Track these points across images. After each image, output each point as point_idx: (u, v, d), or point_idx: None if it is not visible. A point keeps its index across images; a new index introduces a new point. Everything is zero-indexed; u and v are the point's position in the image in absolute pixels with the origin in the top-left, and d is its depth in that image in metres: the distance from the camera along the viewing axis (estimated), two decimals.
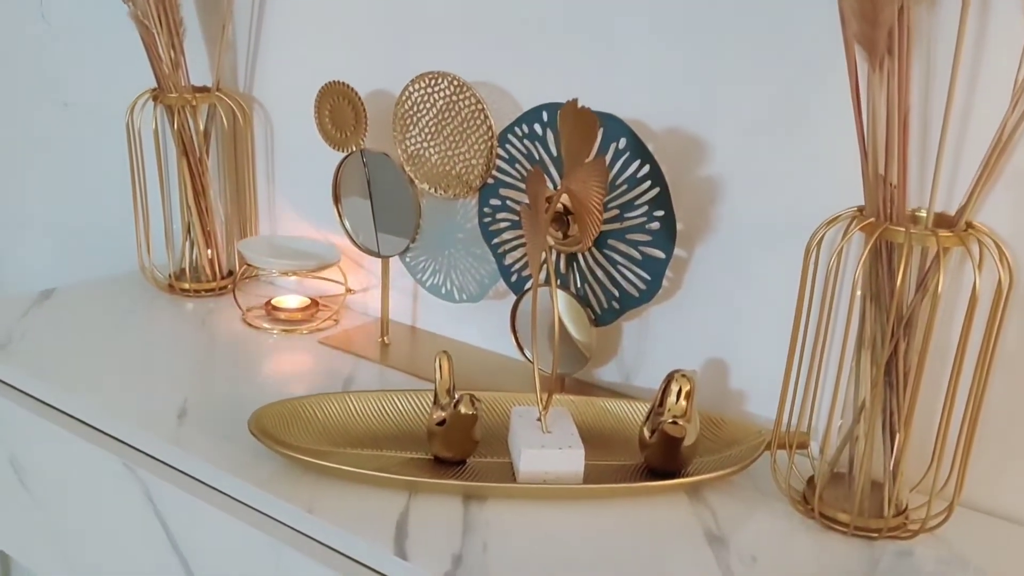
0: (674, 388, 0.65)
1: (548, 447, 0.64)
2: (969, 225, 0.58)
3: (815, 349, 0.61)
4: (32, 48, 1.22)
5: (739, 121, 0.70)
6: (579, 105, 0.62)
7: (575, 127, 0.62)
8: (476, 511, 0.61)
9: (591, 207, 0.62)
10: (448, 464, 0.66)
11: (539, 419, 0.67)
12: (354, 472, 0.63)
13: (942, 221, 0.60)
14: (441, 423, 0.66)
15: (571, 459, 0.64)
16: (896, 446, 0.61)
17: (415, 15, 0.85)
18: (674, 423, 0.64)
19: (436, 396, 0.67)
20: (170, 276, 1.01)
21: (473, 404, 0.65)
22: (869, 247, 0.57)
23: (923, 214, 0.61)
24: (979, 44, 0.59)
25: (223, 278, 1.02)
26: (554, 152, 0.74)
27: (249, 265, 0.93)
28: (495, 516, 0.61)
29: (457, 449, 0.66)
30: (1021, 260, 0.61)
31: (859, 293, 0.60)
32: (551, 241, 0.73)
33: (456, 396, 0.66)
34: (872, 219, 0.58)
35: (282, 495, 0.62)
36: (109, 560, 0.74)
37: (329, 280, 0.95)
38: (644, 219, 0.71)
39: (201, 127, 0.97)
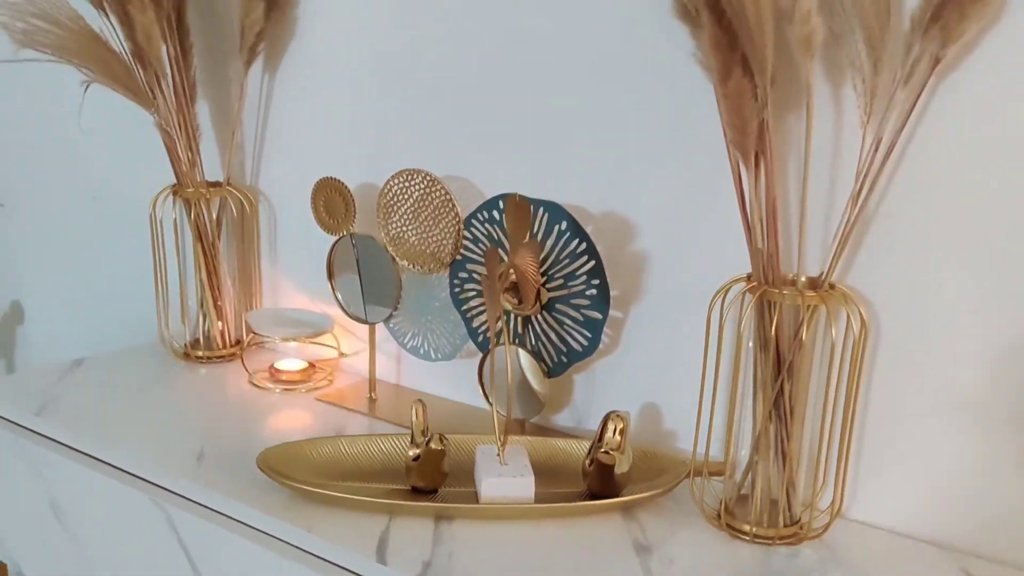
0: (610, 426, 0.79)
1: (504, 476, 0.77)
2: (831, 286, 0.73)
3: (722, 390, 0.76)
4: (68, 148, 1.38)
5: (661, 205, 0.85)
6: (518, 197, 0.78)
7: (516, 215, 0.78)
8: (444, 528, 0.75)
9: (529, 278, 0.77)
10: (423, 492, 0.80)
11: (498, 454, 0.81)
12: (344, 498, 0.76)
13: (813, 283, 0.75)
14: (416, 458, 0.79)
15: (523, 485, 0.77)
16: (787, 469, 0.75)
17: (395, 120, 1.02)
18: (607, 453, 0.77)
19: (412, 436, 0.80)
20: (185, 345, 1.15)
21: (442, 441, 0.79)
22: (753, 305, 0.72)
23: (803, 278, 0.76)
24: (836, 143, 0.75)
25: (232, 346, 1.16)
26: (506, 233, 0.89)
27: (255, 333, 1.07)
28: (460, 531, 0.74)
29: (429, 480, 0.80)
30: (880, 311, 0.76)
31: (749, 344, 0.75)
32: (508, 306, 0.88)
33: (428, 436, 0.79)
34: (755, 283, 0.74)
35: (286, 519, 0.75)
36: None
37: (324, 345, 1.09)
38: (584, 287, 0.86)
39: (214, 216, 1.13)
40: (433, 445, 0.79)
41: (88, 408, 0.97)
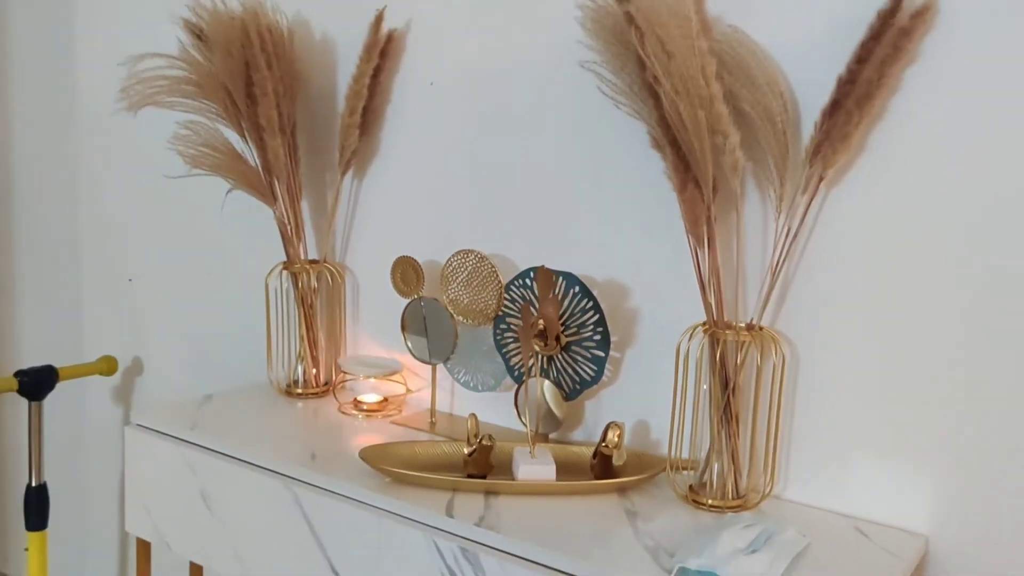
0: (610, 430, 1.11)
1: (534, 464, 1.09)
2: (760, 328, 1.06)
3: (689, 406, 1.08)
4: (190, 235, 1.76)
5: (647, 274, 1.19)
6: (544, 268, 1.12)
7: (543, 281, 1.12)
8: (492, 499, 1.07)
9: (552, 326, 1.11)
10: (475, 477, 1.12)
11: (530, 451, 1.13)
12: (421, 478, 1.08)
13: (749, 327, 1.08)
14: (471, 453, 1.12)
15: (548, 471, 1.09)
16: (733, 460, 1.07)
17: (451, 212, 1.37)
18: (606, 447, 1.09)
19: (468, 438, 1.13)
20: (288, 384, 1.49)
21: (490, 440, 1.11)
22: (706, 343, 1.05)
23: (741, 324, 1.09)
24: (762, 229, 1.09)
25: (322, 386, 1.50)
26: (537, 295, 1.23)
27: (344, 372, 1.41)
28: (502, 501, 1.06)
29: (480, 468, 1.12)
30: (797, 346, 1.08)
31: (704, 371, 1.07)
32: (536, 348, 1.22)
33: (480, 437, 1.12)
34: (708, 327, 1.06)
35: (380, 492, 1.07)
36: (270, 557, 1.19)
37: (395, 382, 1.43)
38: (591, 332, 1.19)
39: (313, 285, 1.48)
40: (484, 442, 1.11)
41: (225, 425, 1.31)
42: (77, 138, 1.94)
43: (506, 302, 1.26)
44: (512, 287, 1.26)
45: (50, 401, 2.02)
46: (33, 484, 1.69)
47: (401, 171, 1.43)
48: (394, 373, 1.40)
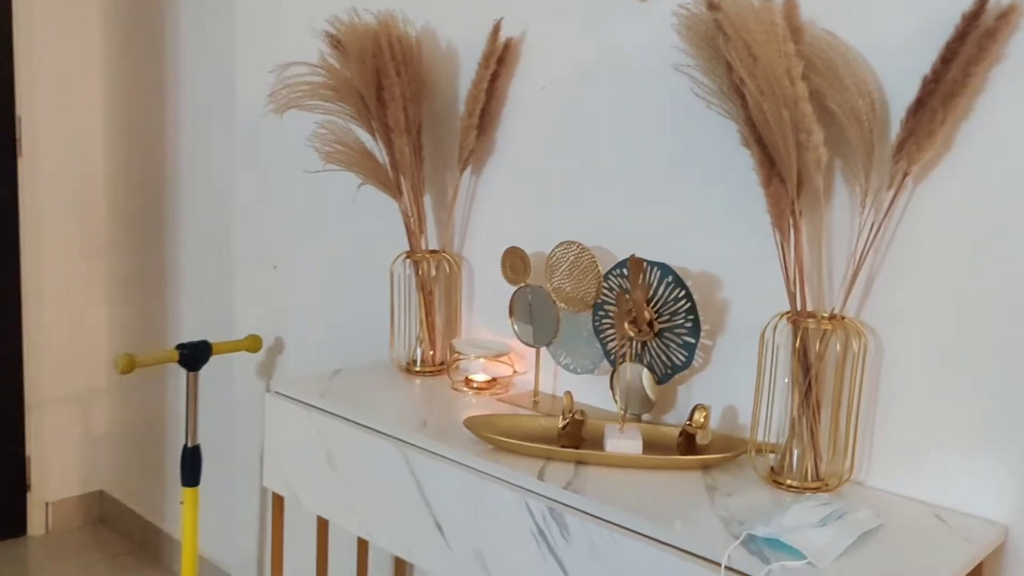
0: (697, 411, 1.18)
1: (623, 438, 1.18)
2: (842, 318, 1.10)
3: (778, 393, 1.13)
4: (325, 227, 1.94)
5: (739, 265, 1.25)
6: (635, 256, 1.20)
7: (634, 267, 1.20)
8: (581, 468, 1.16)
9: (641, 308, 1.19)
10: (568, 448, 1.21)
11: (620, 428, 1.21)
12: (519, 445, 1.19)
13: (831, 316, 1.12)
14: (564, 426, 1.22)
15: (635, 445, 1.17)
16: (813, 444, 1.11)
17: (556, 206, 1.47)
18: (691, 425, 1.17)
19: (563, 412, 1.23)
20: (407, 363, 1.63)
21: (583, 415, 1.21)
22: (790, 332, 1.11)
23: (824, 314, 1.13)
24: (851, 223, 1.13)
25: (437, 365, 1.63)
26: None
27: (458, 353, 1.54)
28: (591, 470, 1.15)
29: (572, 440, 1.21)
30: (880, 336, 1.12)
31: (789, 359, 1.13)
32: (631, 333, 1.30)
33: (574, 412, 1.21)
34: (792, 317, 1.12)
35: (482, 457, 1.19)
36: (382, 512, 1.32)
37: (503, 364, 1.54)
38: (683, 320, 1.26)
39: (432, 274, 1.62)
40: (576, 416, 1.21)
41: (351, 395, 1.46)
42: (233, 137, 2.16)
43: (604, 290, 1.35)
44: (610, 276, 1.34)
45: (204, 373, 2.26)
46: (189, 445, 1.92)
47: (513, 169, 1.54)
48: (502, 355, 1.52)
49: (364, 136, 1.57)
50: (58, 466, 2.83)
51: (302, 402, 1.47)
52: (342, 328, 1.91)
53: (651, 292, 1.29)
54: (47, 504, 2.82)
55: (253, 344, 2.00)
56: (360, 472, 1.35)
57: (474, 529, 1.18)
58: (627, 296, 1.26)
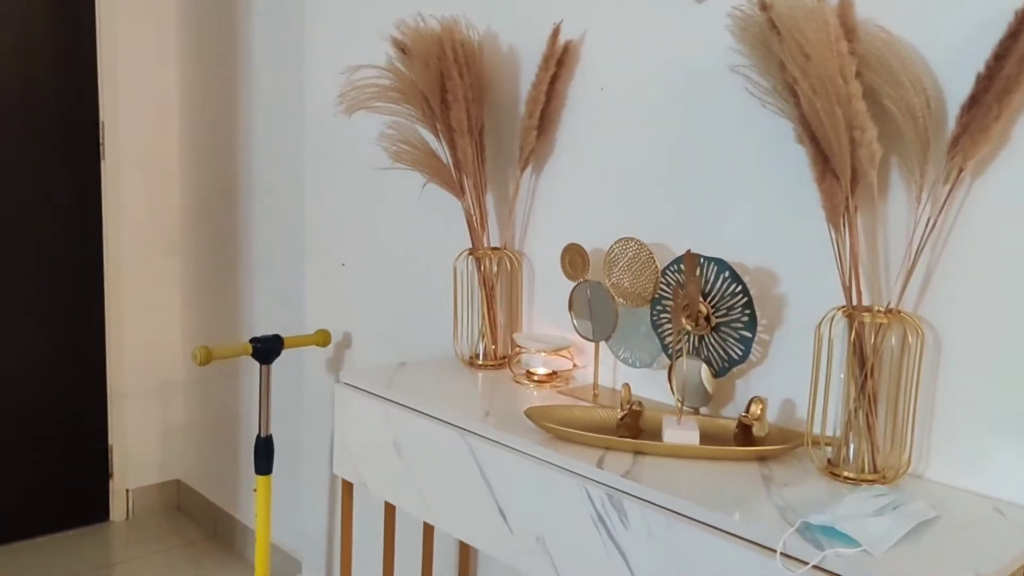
0: (754, 404, 1.21)
1: (680, 429, 1.21)
2: (898, 312, 1.12)
3: (833, 387, 1.15)
4: (390, 226, 2.01)
5: (795, 261, 1.27)
6: (690, 251, 1.24)
7: (689, 262, 1.23)
8: (639, 458, 1.19)
9: (695, 301, 1.22)
10: (626, 438, 1.25)
11: (677, 420, 1.25)
12: (578, 435, 1.23)
13: (887, 311, 1.13)
14: (623, 417, 1.25)
15: (692, 436, 1.21)
16: (870, 436, 1.13)
17: (613, 204, 1.51)
18: (747, 417, 1.19)
19: (621, 404, 1.26)
20: (470, 357, 1.69)
21: (640, 405, 1.24)
22: (846, 326, 1.13)
23: (880, 308, 1.15)
24: (905, 219, 1.14)
25: (499, 359, 1.68)
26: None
27: (519, 347, 1.59)
28: (649, 460, 1.19)
29: (630, 431, 1.25)
30: (937, 330, 1.13)
31: (845, 352, 1.15)
32: (688, 327, 1.33)
33: (632, 403, 1.25)
34: (848, 311, 1.14)
35: (542, 445, 1.23)
36: (447, 498, 1.38)
37: (563, 357, 1.59)
38: (740, 315, 1.29)
39: (495, 270, 1.67)
40: (634, 407, 1.24)
41: (416, 386, 1.52)
42: (303, 137, 2.25)
43: (662, 286, 1.38)
44: (668, 272, 1.38)
45: (276, 366, 2.36)
46: (262, 435, 2.01)
47: (573, 168, 1.59)
48: (562, 349, 1.56)
49: (428, 136, 1.63)
50: (137, 455, 2.98)
51: (370, 392, 1.53)
52: (406, 323, 1.98)
53: (708, 287, 1.32)
54: (127, 491, 2.96)
55: (323, 338, 2.08)
56: (425, 459, 1.41)
57: (535, 514, 1.23)
58: (683, 290, 1.29)
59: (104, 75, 2.74)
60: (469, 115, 1.57)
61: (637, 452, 1.22)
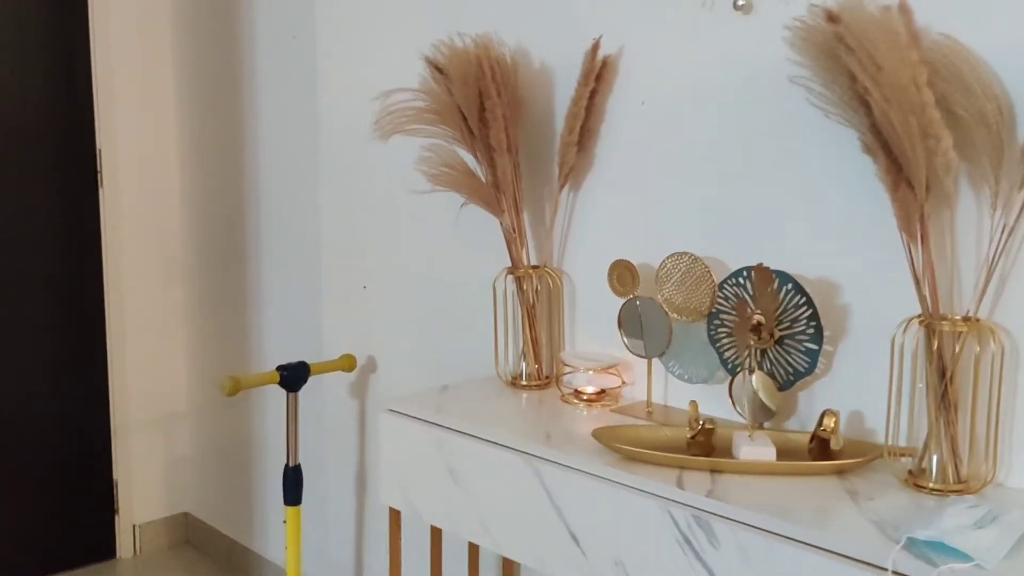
0: (827, 417, 1.19)
1: (756, 446, 1.20)
2: (976, 320, 1.11)
3: (905, 396, 1.14)
4: (416, 246, 1.98)
5: (858, 271, 1.27)
6: (762, 266, 1.22)
7: (761, 277, 1.22)
8: (716, 476, 1.18)
9: (772, 319, 1.21)
10: (699, 456, 1.23)
11: (749, 435, 1.23)
12: (653, 455, 1.21)
13: (965, 319, 1.13)
14: (693, 436, 1.24)
15: (768, 452, 1.19)
16: (952, 446, 1.12)
17: (660, 218, 1.50)
18: (825, 431, 1.18)
19: (689, 422, 1.25)
20: (512, 377, 1.66)
21: (712, 422, 1.23)
22: (923, 335, 1.12)
23: (957, 316, 1.14)
24: (978, 226, 1.14)
25: (542, 379, 1.66)
26: (750, 291, 1.33)
27: (568, 365, 1.57)
28: (727, 478, 1.17)
29: (703, 449, 1.23)
30: (1016, 338, 1.12)
31: (920, 362, 1.14)
32: (751, 342, 1.31)
33: (702, 421, 1.23)
34: (925, 320, 1.13)
35: (613, 466, 1.21)
36: (512, 524, 1.35)
37: (612, 375, 1.57)
38: (804, 327, 1.28)
39: (536, 288, 1.65)
40: (707, 425, 1.23)
41: (465, 410, 1.50)
42: (317, 159, 2.22)
43: (719, 300, 1.37)
44: (725, 285, 1.36)
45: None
46: (290, 465, 1.96)
47: (613, 183, 1.57)
48: (611, 367, 1.54)
49: (467, 157, 1.61)
50: (143, 489, 2.90)
51: (419, 418, 1.50)
52: (436, 345, 1.94)
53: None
54: (135, 527, 2.89)
55: (348, 363, 2.04)
56: (486, 485, 1.38)
57: (612, 538, 1.20)
58: (749, 306, 1.28)
59: (100, 101, 2.68)
60: (508, 133, 1.55)
61: (713, 470, 1.20)
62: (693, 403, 1.26)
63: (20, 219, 2.59)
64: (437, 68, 1.55)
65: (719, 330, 1.38)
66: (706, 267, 1.37)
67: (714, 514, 1.10)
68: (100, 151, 2.70)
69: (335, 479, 2.27)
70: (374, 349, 2.12)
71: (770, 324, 1.26)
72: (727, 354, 1.38)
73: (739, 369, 1.35)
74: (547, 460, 1.30)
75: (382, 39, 1.98)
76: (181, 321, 2.91)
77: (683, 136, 1.46)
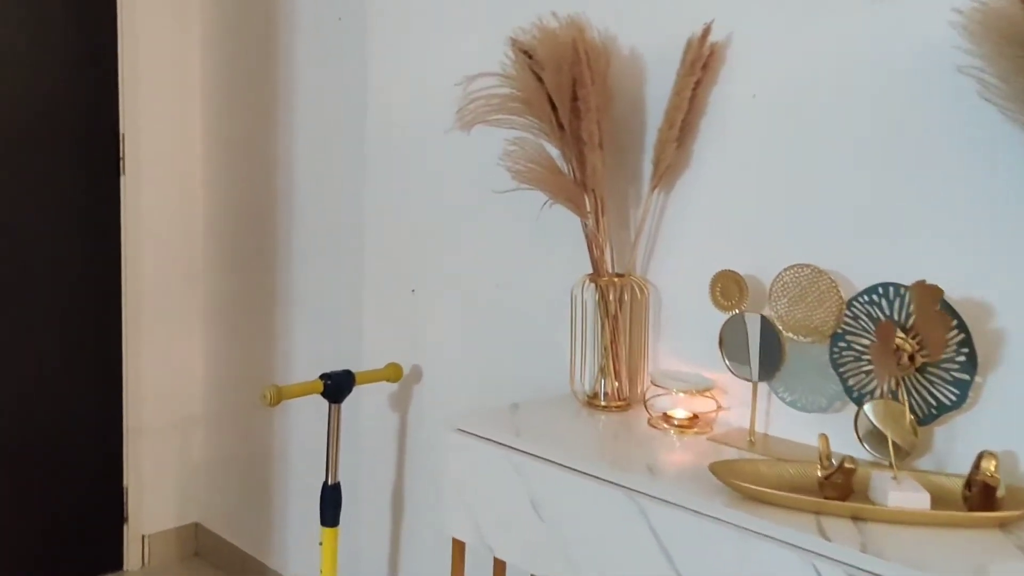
0: (985, 460, 1.03)
1: (906, 491, 1.03)
2: None
3: None
4: (476, 248, 1.82)
5: (1016, 291, 1.11)
6: (925, 283, 1.07)
7: (924, 296, 1.07)
8: (861, 524, 1.02)
9: (940, 346, 1.05)
10: (834, 499, 1.07)
11: (893, 476, 1.07)
12: (784, 497, 1.05)
13: None
14: (827, 476, 1.07)
15: (921, 499, 1.03)
16: None
17: (772, 224, 1.34)
18: (992, 477, 1.02)
19: (820, 460, 1.08)
20: (590, 396, 1.50)
21: (852, 462, 1.07)
22: None
23: None
24: None
25: (621, 400, 1.49)
26: (886, 313, 1.17)
27: (657, 385, 1.40)
28: (874, 527, 1.01)
29: (840, 491, 1.07)
30: None
31: None
32: (893, 369, 1.16)
33: (841, 459, 1.07)
34: None
35: (736, 508, 1.05)
36: (608, 566, 1.19)
37: (706, 398, 1.40)
38: (955, 354, 1.12)
39: (620, 298, 1.49)
40: (847, 464, 1.06)
41: (546, 434, 1.33)
42: (363, 155, 2.05)
43: (847, 318, 1.21)
44: (855, 303, 1.21)
45: (317, 400, 2.13)
46: (329, 483, 1.79)
47: (714, 185, 1.41)
48: (708, 389, 1.38)
49: (553, 152, 1.45)
50: (154, 497, 2.73)
51: (496, 441, 1.34)
52: (496, 356, 1.78)
53: (907, 320, 1.15)
54: (143, 537, 2.71)
55: (394, 373, 1.88)
56: (577, 521, 1.22)
57: None
58: (896, 327, 1.12)
59: (125, 81, 2.52)
60: (599, 126, 1.40)
61: (855, 517, 1.04)
62: (823, 437, 1.10)
63: (36, 205, 2.42)
64: (525, 52, 1.39)
65: (844, 353, 1.23)
66: (832, 282, 1.21)
67: (871, 572, 0.94)
68: (123, 135, 2.54)
69: (369, 498, 2.10)
70: (421, 358, 1.95)
71: (937, 353, 1.10)
72: (852, 381, 1.22)
73: (868, 398, 1.19)
74: (654, 497, 1.13)
75: (442, 20, 1.82)
76: (202, 320, 2.74)
77: (800, 133, 1.30)
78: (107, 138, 2.52)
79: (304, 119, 2.23)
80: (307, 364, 2.28)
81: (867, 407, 1.19)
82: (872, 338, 1.18)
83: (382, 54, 1.98)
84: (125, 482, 2.65)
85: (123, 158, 2.54)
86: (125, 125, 2.54)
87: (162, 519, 2.75)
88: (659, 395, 1.43)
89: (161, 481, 2.73)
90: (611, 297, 1.48)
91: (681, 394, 1.39)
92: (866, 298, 1.20)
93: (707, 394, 1.40)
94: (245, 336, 2.54)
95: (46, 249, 2.45)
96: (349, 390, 1.79)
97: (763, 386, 1.33)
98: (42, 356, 2.47)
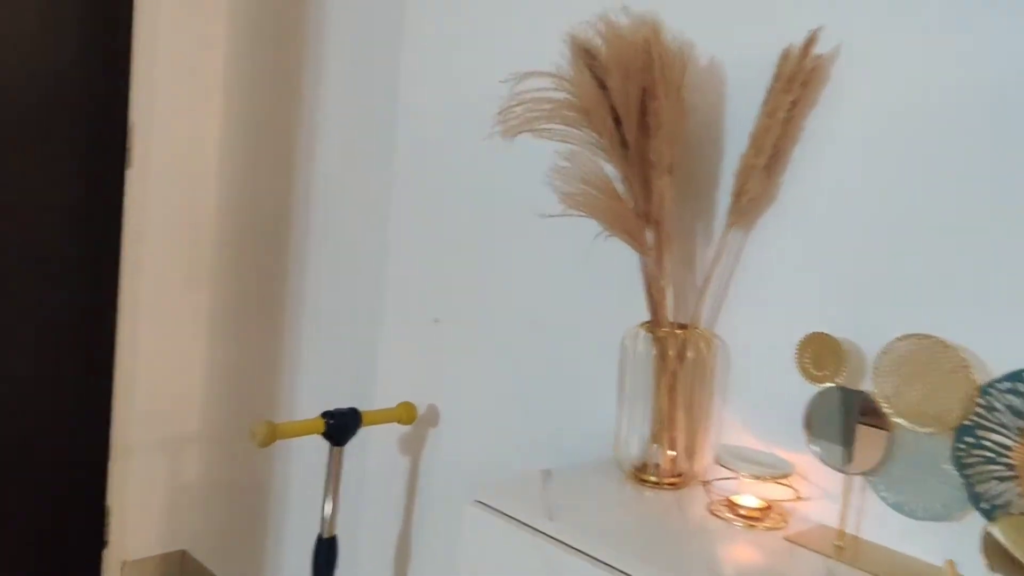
0: None
1: None
2: None
3: None
4: (532, 288, 1.58)
5: None
6: None
7: None
8: None
9: None
10: None
11: None
12: None
13: None
14: None
15: None
16: None
17: (873, 280, 1.09)
18: None
19: None
20: (636, 468, 1.25)
21: None
22: None
23: None
24: None
25: (677, 475, 1.25)
26: None
27: (723, 466, 1.15)
28: None
29: None
30: None
31: None
32: None
33: None
34: None
35: None
36: None
37: (785, 486, 1.15)
38: None
39: (683, 354, 1.24)
40: None
41: (587, 520, 1.09)
42: (392, 170, 1.83)
43: (980, 408, 0.96)
44: (992, 390, 0.95)
45: (315, 440, 1.89)
46: (324, 536, 1.56)
47: (808, 225, 1.17)
48: (786, 476, 1.13)
49: (609, 171, 1.21)
50: (138, 520, 2.50)
51: (523, 523, 1.09)
52: (525, 405, 1.54)
53: None
54: (123, 563, 2.49)
55: (407, 414, 1.64)
56: None
57: None
58: None
59: (139, 69, 2.32)
60: (671, 147, 1.16)
61: None
62: (950, 563, 0.85)
63: (33, 193, 2.22)
64: (588, 52, 1.16)
65: (972, 451, 0.97)
66: (963, 360, 0.96)
67: None
68: (133, 126, 2.33)
69: (369, 556, 1.86)
70: (438, 398, 1.72)
71: None
72: (980, 488, 0.97)
73: (1000, 512, 0.93)
74: None
75: (488, 8, 1.60)
76: (202, 330, 2.52)
77: (923, 170, 1.06)
78: (116, 128, 2.32)
79: (330, 121, 2.01)
80: (313, 388, 2.05)
81: (999, 525, 0.93)
82: (1017, 439, 0.92)
83: (417, 49, 1.76)
84: (108, 502, 2.43)
85: (131, 149, 2.34)
86: (136, 115, 2.33)
87: (146, 545, 2.53)
88: (724, 477, 1.18)
89: (148, 503, 2.51)
90: (671, 352, 1.23)
91: (754, 479, 1.14)
92: (1008, 385, 0.94)
93: (785, 481, 1.15)
94: (248, 353, 2.32)
95: (34, 245, 2.24)
96: (354, 432, 1.55)
97: (858, 479, 1.08)
98: (25, 361, 2.25)
